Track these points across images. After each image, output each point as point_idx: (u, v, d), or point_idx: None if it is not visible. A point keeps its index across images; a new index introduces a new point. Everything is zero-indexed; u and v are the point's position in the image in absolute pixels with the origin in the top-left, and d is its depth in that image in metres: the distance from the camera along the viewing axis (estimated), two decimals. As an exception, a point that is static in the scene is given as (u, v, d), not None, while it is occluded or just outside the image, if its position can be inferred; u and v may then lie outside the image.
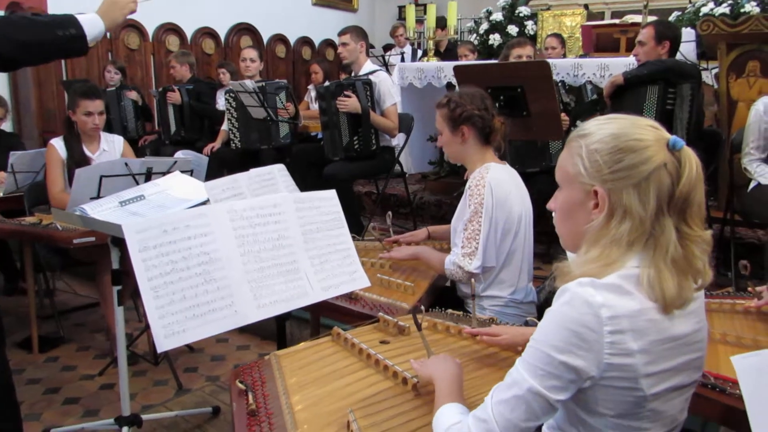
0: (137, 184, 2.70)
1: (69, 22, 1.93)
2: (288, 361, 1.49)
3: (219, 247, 1.57)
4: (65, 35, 1.93)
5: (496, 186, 2.07)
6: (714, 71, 4.36)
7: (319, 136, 5.24)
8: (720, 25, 3.70)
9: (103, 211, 2.19)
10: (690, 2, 5.80)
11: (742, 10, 5.01)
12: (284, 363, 1.48)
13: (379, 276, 2.10)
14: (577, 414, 1.04)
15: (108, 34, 6.23)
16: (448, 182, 4.82)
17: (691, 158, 1.01)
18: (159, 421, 2.57)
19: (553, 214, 1.15)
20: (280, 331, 1.78)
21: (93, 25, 2.00)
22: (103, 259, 2.99)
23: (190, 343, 3.28)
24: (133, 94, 5.56)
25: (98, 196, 2.62)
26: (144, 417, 2.35)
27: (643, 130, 1.02)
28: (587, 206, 1.05)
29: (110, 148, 3.45)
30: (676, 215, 1.00)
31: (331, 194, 1.92)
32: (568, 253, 1.19)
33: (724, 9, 5.13)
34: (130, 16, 2.15)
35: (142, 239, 1.49)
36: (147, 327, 3.24)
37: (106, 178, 2.67)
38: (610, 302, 0.95)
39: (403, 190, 4.70)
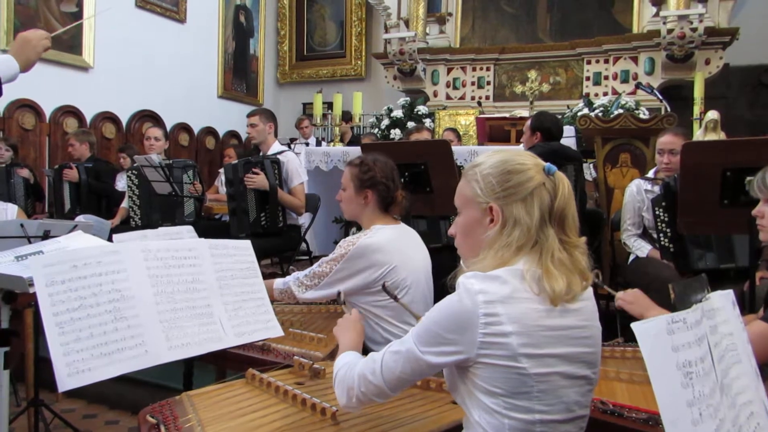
0: (32, 246, 2.56)
1: None
2: (200, 399, 1.45)
3: (131, 286, 1.54)
4: None
5: (371, 252, 2.17)
6: (592, 164, 4.84)
7: (224, 218, 5.21)
8: (595, 122, 4.16)
9: (-4, 264, 2.07)
10: (568, 107, 6.49)
11: (611, 116, 5.68)
12: (197, 401, 1.44)
13: (291, 330, 2.09)
14: (478, 398, 1.15)
15: (1, 113, 6.05)
16: (353, 263, 4.89)
17: (563, 180, 1.23)
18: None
19: (455, 239, 1.32)
20: (187, 378, 1.72)
21: (7, 67, 1.97)
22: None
23: (77, 427, 3.09)
24: (24, 172, 5.32)
25: (-12, 258, 2.46)
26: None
27: (523, 157, 1.26)
28: (484, 222, 1.24)
29: (1, 216, 3.27)
30: (557, 226, 1.21)
31: (246, 244, 1.93)
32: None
33: (597, 113, 5.78)
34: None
35: (50, 273, 1.44)
36: (27, 408, 2.97)
37: (-2, 239, 2.52)
38: (487, 290, 1.13)
39: (307, 271, 4.70)
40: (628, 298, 2.06)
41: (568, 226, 1.22)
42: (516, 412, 1.12)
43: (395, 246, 2.21)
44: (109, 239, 3.65)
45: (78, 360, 1.39)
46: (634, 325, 0.87)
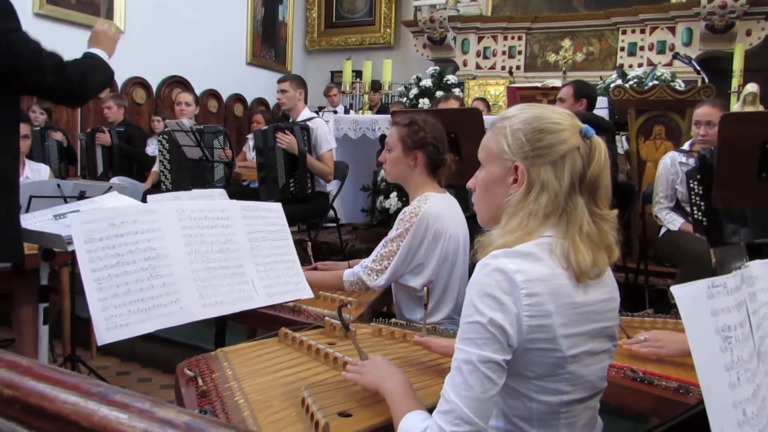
0: (68, 206, 2.62)
1: (103, 61, 2.09)
2: (235, 355, 1.48)
3: (166, 244, 1.56)
4: (111, 73, 2.13)
5: (433, 221, 2.10)
6: (624, 137, 4.76)
7: (252, 184, 5.26)
8: (630, 92, 4.08)
9: (36, 223, 2.13)
10: (601, 79, 6.36)
11: (646, 87, 5.56)
12: (231, 356, 1.47)
13: (321, 293, 2.11)
14: (504, 382, 1.05)
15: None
16: (379, 231, 4.90)
17: (600, 145, 1.12)
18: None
19: (473, 194, 1.22)
20: (219, 337, 1.75)
21: (104, 56, 2.13)
22: (22, 289, 2.84)
23: (111, 383, 3.18)
24: (58, 135, 5.41)
25: (26, 216, 2.53)
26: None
27: (559, 116, 1.14)
28: (507, 181, 1.13)
29: (35, 176, 3.35)
30: (587, 195, 1.10)
31: (277, 206, 1.95)
32: None
33: (632, 84, 5.65)
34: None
35: (88, 230, 1.46)
36: (63, 363, 3.08)
37: (36, 199, 2.58)
38: (523, 268, 1.02)
39: (335, 239, 4.74)
40: (656, 343, 1.64)
41: (600, 196, 1.11)
42: (545, 395, 1.07)
43: (448, 213, 2.16)
44: (143, 201, 3.72)
45: (116, 315, 1.43)
46: (673, 288, 0.85)
